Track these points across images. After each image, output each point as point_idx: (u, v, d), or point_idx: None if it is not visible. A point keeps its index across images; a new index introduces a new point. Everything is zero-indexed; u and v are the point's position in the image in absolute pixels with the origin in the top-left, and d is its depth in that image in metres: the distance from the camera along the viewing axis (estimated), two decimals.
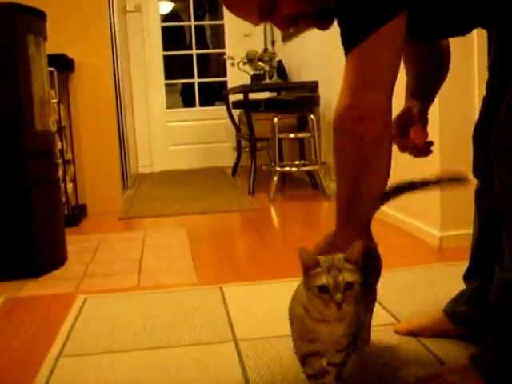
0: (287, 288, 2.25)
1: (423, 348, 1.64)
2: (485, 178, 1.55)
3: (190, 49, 6.68)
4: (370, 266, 1.36)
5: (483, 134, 1.51)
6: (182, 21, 6.83)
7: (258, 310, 2.02)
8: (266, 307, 2.03)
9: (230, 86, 6.38)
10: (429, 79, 1.59)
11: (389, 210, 3.13)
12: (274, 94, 5.57)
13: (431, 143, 1.51)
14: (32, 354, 1.77)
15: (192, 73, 6.72)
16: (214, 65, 7.12)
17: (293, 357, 1.63)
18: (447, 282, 2.11)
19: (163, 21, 6.59)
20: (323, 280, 1.18)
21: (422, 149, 1.50)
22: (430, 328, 1.70)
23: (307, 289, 1.22)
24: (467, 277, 1.67)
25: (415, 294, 2.02)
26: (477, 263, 1.64)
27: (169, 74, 6.67)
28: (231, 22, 6.45)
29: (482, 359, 1.39)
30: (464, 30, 1.41)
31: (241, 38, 6.33)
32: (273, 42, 5.54)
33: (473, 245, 1.64)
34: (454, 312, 1.67)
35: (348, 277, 1.18)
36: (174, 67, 6.78)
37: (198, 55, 6.72)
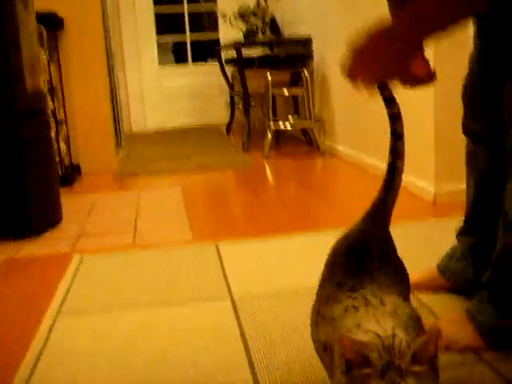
0: (282, 244, 2.28)
1: (418, 302, 1.66)
2: (475, 136, 1.54)
3: (181, 4, 6.57)
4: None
5: (472, 90, 1.49)
6: None
7: (254, 266, 2.03)
8: (262, 264, 2.05)
9: (222, 42, 6.30)
10: None
11: (382, 165, 3.13)
12: (267, 51, 5.51)
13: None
14: (30, 314, 1.78)
15: (183, 30, 6.62)
16: (206, 21, 7.01)
17: (289, 312, 1.65)
18: (442, 236, 2.12)
19: None
20: None
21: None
22: (424, 283, 1.71)
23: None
24: (461, 234, 1.68)
25: (410, 248, 2.03)
26: (472, 222, 1.64)
27: (160, 32, 6.57)
28: None
29: (478, 313, 1.41)
30: None
31: None
32: None
33: (467, 204, 1.64)
34: (448, 269, 1.68)
35: None
36: (165, 24, 6.67)
37: (189, 11, 6.61)
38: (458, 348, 1.39)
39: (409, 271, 1.74)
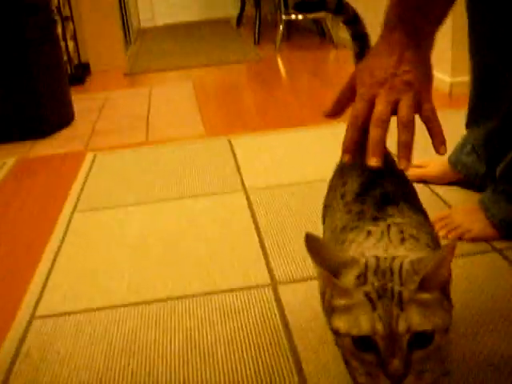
0: (295, 137, 2.26)
1: (433, 194, 1.66)
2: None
3: None
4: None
5: None
6: None
7: (267, 159, 2.02)
8: (275, 157, 2.04)
9: None
10: None
11: None
12: None
13: None
14: (46, 213, 1.81)
15: None
16: None
17: (302, 204, 1.66)
18: (457, 128, 2.09)
19: None
20: (363, 324, 0.64)
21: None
22: (438, 176, 1.70)
23: (330, 311, 0.69)
24: (468, 126, 1.63)
25: (424, 139, 2.00)
26: (476, 113, 1.56)
27: None
28: None
29: (491, 205, 1.41)
30: None
31: None
32: None
33: (471, 93, 1.57)
34: (459, 162, 1.64)
35: (419, 320, 0.63)
36: None
37: None
38: (471, 237, 1.40)
39: (422, 163, 1.73)
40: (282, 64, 3.86)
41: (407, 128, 0.87)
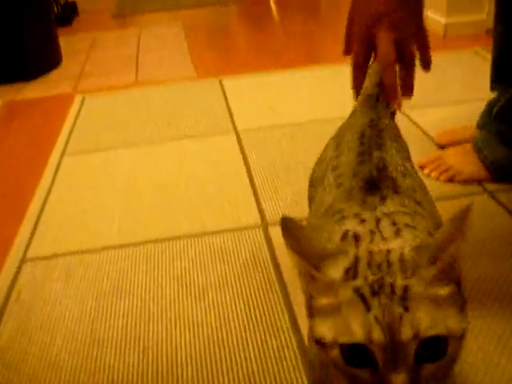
0: (287, 78, 2.23)
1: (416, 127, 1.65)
2: None
3: None
4: None
5: None
6: None
7: (258, 100, 1.99)
8: (266, 98, 2.01)
9: None
10: None
11: None
12: None
13: None
14: (35, 156, 1.79)
15: None
16: None
17: (293, 144, 1.65)
18: (452, 69, 2.07)
19: None
20: (355, 329, 0.50)
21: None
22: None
23: (310, 316, 0.56)
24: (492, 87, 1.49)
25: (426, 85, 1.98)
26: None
27: None
28: None
29: (484, 146, 1.39)
30: None
31: None
32: None
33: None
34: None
35: (429, 322, 0.49)
36: None
37: None
38: (462, 179, 1.39)
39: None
40: (274, 3, 3.78)
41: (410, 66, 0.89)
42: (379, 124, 0.81)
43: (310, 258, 0.53)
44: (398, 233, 0.58)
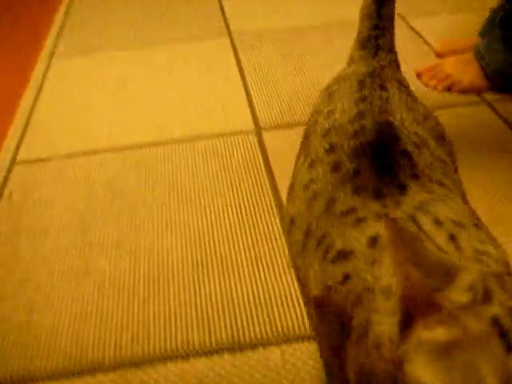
0: None
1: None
2: None
3: None
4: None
5: None
6: None
7: (254, 1, 1.93)
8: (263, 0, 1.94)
9: None
10: None
11: None
12: None
13: None
14: (23, 58, 1.73)
15: None
16: None
17: (289, 49, 1.60)
18: None
19: None
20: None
21: None
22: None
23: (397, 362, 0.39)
24: None
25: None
26: None
27: None
28: None
29: (487, 53, 1.35)
30: None
31: None
32: None
33: None
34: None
35: None
36: None
37: None
38: (461, 88, 1.36)
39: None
40: None
41: None
42: (382, 74, 0.69)
43: (432, 276, 0.38)
44: (453, 239, 0.47)
